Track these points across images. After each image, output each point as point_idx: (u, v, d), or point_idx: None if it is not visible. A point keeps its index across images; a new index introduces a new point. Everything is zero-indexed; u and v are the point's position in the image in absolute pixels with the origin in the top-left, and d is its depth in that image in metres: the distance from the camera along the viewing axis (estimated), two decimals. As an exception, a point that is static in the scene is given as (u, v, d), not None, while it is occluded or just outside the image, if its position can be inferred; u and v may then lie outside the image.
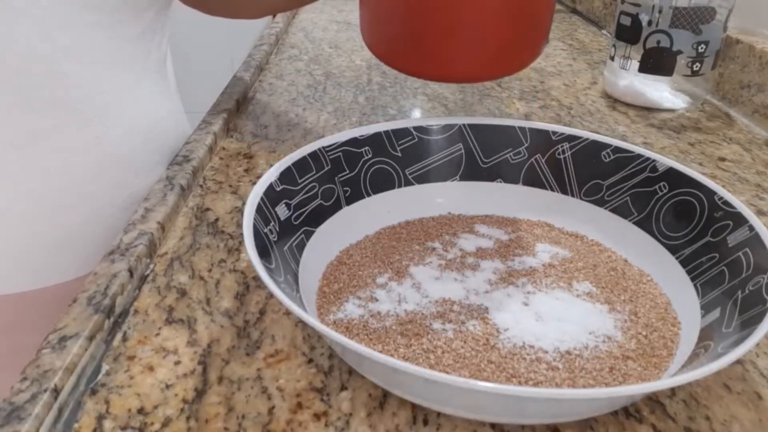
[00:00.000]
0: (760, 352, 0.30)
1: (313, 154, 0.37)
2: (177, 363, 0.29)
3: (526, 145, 0.40)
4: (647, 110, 0.60)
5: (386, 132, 0.40)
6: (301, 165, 0.36)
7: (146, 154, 0.48)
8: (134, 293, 0.33)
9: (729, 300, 0.29)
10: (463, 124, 0.41)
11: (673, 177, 0.36)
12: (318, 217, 0.36)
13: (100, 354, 0.29)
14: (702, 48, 0.56)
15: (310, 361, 0.29)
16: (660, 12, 0.55)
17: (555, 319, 0.31)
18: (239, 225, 0.40)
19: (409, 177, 0.40)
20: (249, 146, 0.51)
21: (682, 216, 0.35)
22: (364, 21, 0.43)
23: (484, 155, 0.41)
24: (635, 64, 0.59)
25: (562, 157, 0.40)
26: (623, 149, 0.38)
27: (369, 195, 0.39)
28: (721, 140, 0.54)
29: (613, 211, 0.38)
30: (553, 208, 0.39)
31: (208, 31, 1.55)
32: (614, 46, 0.61)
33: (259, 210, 0.32)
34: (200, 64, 1.58)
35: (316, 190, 0.36)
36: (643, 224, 0.36)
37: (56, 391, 0.26)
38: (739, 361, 0.29)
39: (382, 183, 0.39)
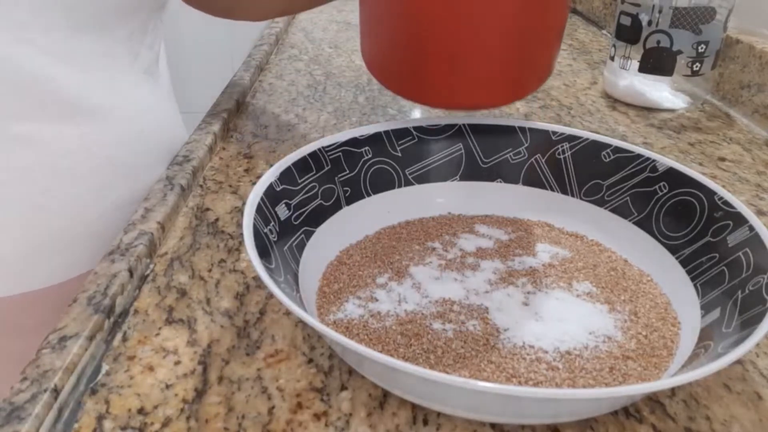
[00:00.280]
0: (760, 352, 0.30)
1: (313, 154, 0.37)
2: (177, 363, 0.29)
3: (526, 145, 0.40)
4: (647, 110, 0.60)
5: (386, 132, 0.40)
6: (301, 165, 0.36)
7: (135, 156, 0.47)
8: (134, 293, 0.33)
9: (729, 300, 0.29)
10: (463, 124, 0.41)
11: (673, 177, 0.36)
12: (318, 217, 0.36)
13: (100, 354, 0.29)
14: (702, 48, 0.56)
15: (310, 361, 0.29)
16: (660, 12, 0.55)
17: (555, 319, 0.31)
18: (239, 225, 0.40)
19: (409, 177, 0.40)
20: (249, 146, 0.51)
21: (682, 216, 0.35)
22: (364, 44, 0.42)
23: (484, 155, 0.41)
24: (635, 64, 0.59)
25: (562, 157, 0.40)
26: (623, 149, 0.38)
27: (369, 195, 0.39)
28: (721, 140, 0.54)
29: (613, 211, 0.38)
30: (553, 208, 0.39)
31: (208, 31, 1.55)
32: (614, 46, 0.61)
33: (259, 210, 0.32)
34: (200, 64, 1.58)
35: (316, 190, 0.36)
36: (643, 224, 0.36)
37: (56, 391, 0.26)
38: (739, 361, 0.29)
39: (382, 183, 0.39)
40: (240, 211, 0.41)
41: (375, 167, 0.39)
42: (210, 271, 0.35)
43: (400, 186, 0.40)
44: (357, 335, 0.30)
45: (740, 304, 0.28)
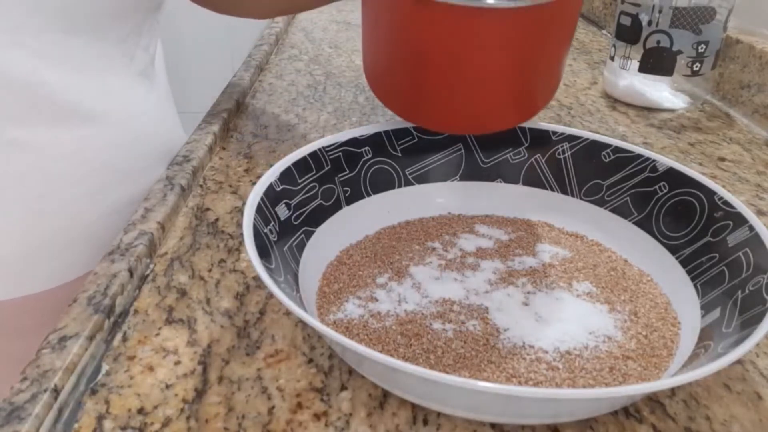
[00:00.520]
0: (760, 352, 0.30)
1: (313, 154, 0.37)
2: (177, 363, 0.29)
3: (526, 145, 0.40)
4: (647, 110, 0.60)
5: (386, 132, 0.40)
6: (301, 165, 0.36)
7: (131, 159, 0.47)
8: (134, 293, 0.33)
9: (729, 300, 0.29)
10: (463, 124, 0.41)
11: (673, 177, 0.36)
12: (318, 217, 0.36)
13: (100, 354, 0.29)
14: (702, 48, 0.56)
15: (310, 361, 0.29)
16: (660, 12, 0.55)
17: (555, 319, 0.31)
18: (239, 225, 0.40)
19: (409, 177, 0.40)
20: (249, 146, 0.51)
21: (682, 216, 0.35)
22: (366, 62, 0.42)
23: (484, 155, 0.41)
24: (635, 64, 0.59)
25: (562, 157, 0.40)
26: (623, 149, 0.38)
27: (369, 195, 0.39)
28: (721, 140, 0.54)
29: (613, 211, 0.38)
30: (553, 208, 0.39)
31: (208, 31, 1.54)
32: (614, 46, 0.61)
33: (259, 210, 0.32)
34: (200, 64, 1.58)
35: (316, 190, 0.36)
36: (643, 224, 0.36)
37: (56, 391, 0.26)
38: (739, 361, 0.29)
39: (382, 183, 0.39)
40: (240, 211, 0.41)
41: (375, 167, 0.39)
42: (210, 271, 0.35)
43: (400, 186, 0.40)
44: (357, 335, 0.30)
45: (740, 304, 0.28)
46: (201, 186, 0.45)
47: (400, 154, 0.40)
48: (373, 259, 0.35)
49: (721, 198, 0.33)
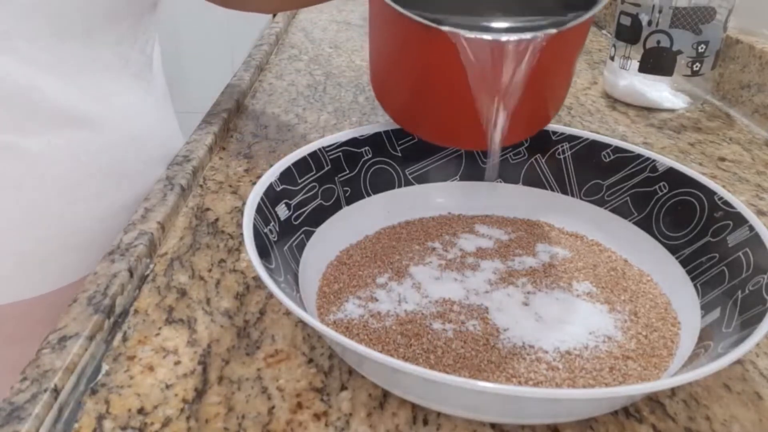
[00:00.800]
0: (760, 352, 0.30)
1: (313, 154, 0.37)
2: (177, 363, 0.29)
3: (526, 145, 0.40)
4: (647, 110, 0.60)
5: (386, 132, 0.40)
6: (301, 165, 0.36)
7: (127, 163, 0.46)
8: (134, 293, 0.33)
9: (729, 300, 0.29)
10: (463, 124, 0.41)
11: (673, 177, 0.36)
12: (318, 217, 0.36)
13: (100, 354, 0.29)
14: (702, 48, 0.56)
15: (310, 361, 0.29)
16: (660, 12, 0.55)
17: (555, 319, 0.31)
18: (239, 225, 0.40)
19: (409, 177, 0.40)
20: (249, 146, 0.51)
21: (682, 216, 0.35)
22: (373, 75, 0.42)
23: (484, 155, 0.41)
24: (635, 64, 0.59)
25: (562, 157, 0.40)
26: (623, 149, 0.38)
27: (369, 195, 0.39)
28: (721, 140, 0.54)
29: (613, 211, 0.38)
30: (553, 208, 0.39)
31: (208, 31, 1.55)
32: (614, 46, 0.61)
33: (259, 210, 0.32)
34: (200, 64, 1.58)
35: (316, 190, 0.36)
36: (643, 224, 0.36)
37: (56, 391, 0.26)
38: (739, 361, 0.29)
39: (382, 183, 0.39)
40: (240, 211, 0.41)
41: (375, 167, 0.39)
42: (210, 271, 0.35)
43: (400, 186, 0.40)
44: (357, 335, 0.30)
45: (740, 304, 0.28)
46: (201, 186, 0.45)
47: (400, 154, 0.40)
48: (373, 259, 0.35)
49: (721, 198, 0.33)
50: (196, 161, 0.45)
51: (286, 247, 0.32)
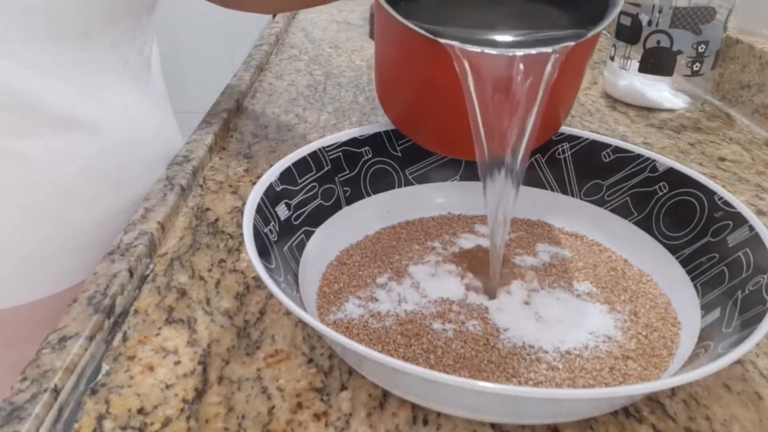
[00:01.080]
0: (760, 352, 0.30)
1: (313, 154, 0.37)
2: (177, 363, 0.29)
3: (526, 145, 0.40)
4: (647, 110, 0.60)
5: (386, 132, 0.40)
6: (301, 165, 0.36)
7: (125, 166, 0.46)
8: (134, 293, 0.33)
9: (729, 300, 0.29)
10: (463, 124, 0.41)
11: (673, 177, 0.36)
12: (318, 217, 0.36)
13: (100, 354, 0.29)
14: (702, 48, 0.56)
15: (310, 361, 0.29)
16: (660, 12, 0.55)
17: (555, 319, 0.31)
18: (239, 225, 0.40)
19: (409, 177, 0.40)
20: (249, 146, 0.51)
21: (682, 216, 0.35)
22: (377, 82, 0.41)
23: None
24: (635, 64, 0.59)
25: (562, 157, 0.40)
26: (623, 149, 0.38)
27: (369, 195, 0.39)
28: (721, 140, 0.54)
29: (613, 211, 0.38)
30: (553, 208, 0.39)
31: (208, 31, 1.55)
32: (614, 46, 0.61)
33: (259, 210, 0.32)
34: (200, 64, 1.58)
35: (316, 190, 0.36)
36: (643, 224, 0.36)
37: (56, 391, 0.26)
38: (739, 361, 0.29)
39: (382, 183, 0.39)
40: (240, 211, 0.41)
41: (375, 167, 0.39)
42: (210, 271, 0.35)
43: (400, 186, 0.40)
44: (357, 335, 0.30)
45: (740, 304, 0.28)
46: (201, 186, 0.45)
47: (400, 154, 0.40)
48: (373, 259, 0.35)
49: (721, 198, 0.33)
50: (196, 161, 0.45)
51: (286, 247, 0.32)
